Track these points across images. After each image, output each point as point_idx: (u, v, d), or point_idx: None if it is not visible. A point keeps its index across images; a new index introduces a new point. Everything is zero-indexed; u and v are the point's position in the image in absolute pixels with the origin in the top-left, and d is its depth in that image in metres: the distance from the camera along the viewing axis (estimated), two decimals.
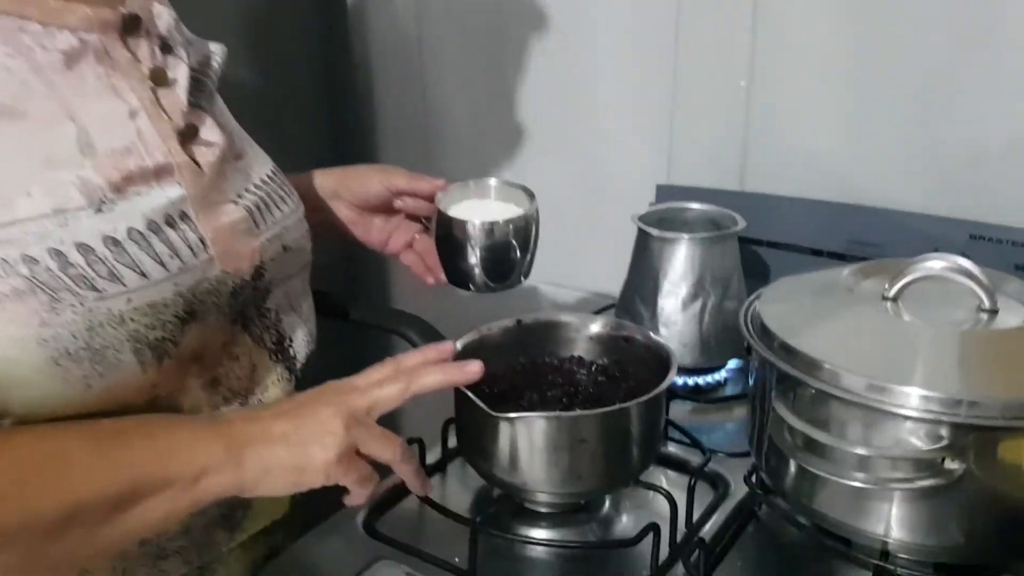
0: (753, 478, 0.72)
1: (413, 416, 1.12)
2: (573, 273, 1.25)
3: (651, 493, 0.71)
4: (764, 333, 0.65)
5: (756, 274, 1.00)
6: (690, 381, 0.91)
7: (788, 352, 0.61)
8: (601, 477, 0.67)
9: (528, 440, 0.64)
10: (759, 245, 1.01)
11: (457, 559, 0.65)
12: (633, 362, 0.75)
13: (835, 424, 0.59)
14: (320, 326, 0.77)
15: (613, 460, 0.66)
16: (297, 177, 0.78)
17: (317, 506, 0.71)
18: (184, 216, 0.56)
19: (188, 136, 0.58)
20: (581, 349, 0.78)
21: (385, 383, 0.59)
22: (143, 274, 0.52)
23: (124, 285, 0.51)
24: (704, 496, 0.73)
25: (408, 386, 0.59)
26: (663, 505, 0.67)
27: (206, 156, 0.59)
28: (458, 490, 0.76)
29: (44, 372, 0.48)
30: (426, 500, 0.70)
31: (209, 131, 0.60)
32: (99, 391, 0.51)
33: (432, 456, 0.78)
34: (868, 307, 0.65)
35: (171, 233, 0.55)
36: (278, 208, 0.66)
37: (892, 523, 0.59)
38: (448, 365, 0.64)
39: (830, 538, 0.64)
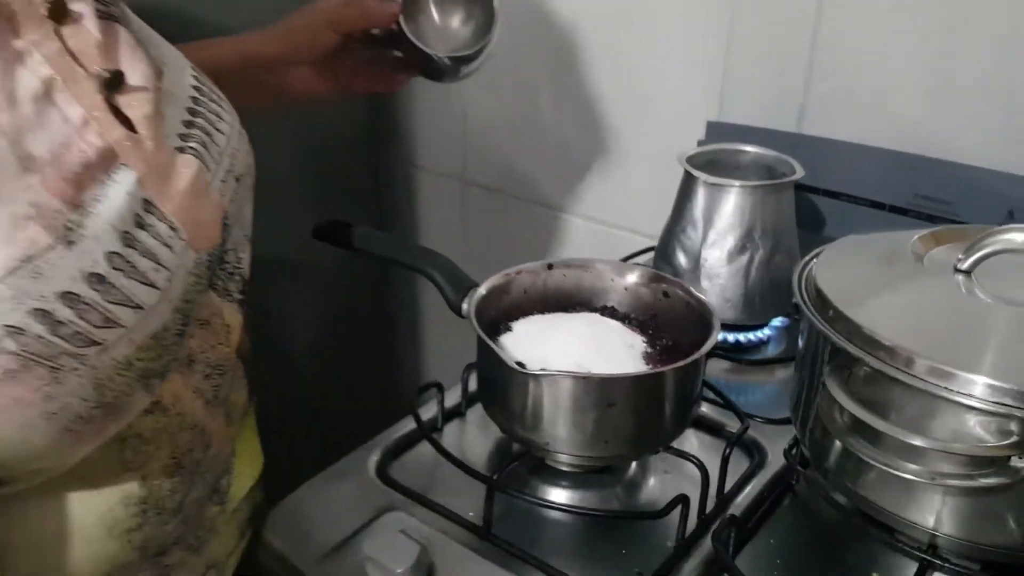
0: (793, 451, 0.67)
1: (432, 359, 1.09)
2: (610, 209, 1.19)
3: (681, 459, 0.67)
4: (819, 299, 0.59)
5: (809, 225, 0.93)
6: (730, 338, 0.86)
7: (844, 324, 0.56)
8: (628, 443, 0.63)
9: (553, 399, 0.60)
10: (815, 193, 0.94)
11: (472, 514, 0.63)
12: (670, 318, 0.70)
13: (890, 408, 0.54)
14: (325, 262, 0.71)
15: (643, 426, 0.62)
16: (204, 49, 0.64)
17: (287, 464, 0.69)
18: (148, 206, 0.43)
19: (114, 86, 0.43)
20: (614, 300, 0.73)
21: None
22: (138, 306, 0.42)
23: (123, 326, 0.41)
24: (738, 465, 0.69)
25: None
26: (693, 471, 0.64)
27: (139, 108, 0.44)
28: (477, 438, 0.73)
29: (54, 441, 0.40)
30: (442, 451, 0.67)
31: (133, 65, 0.44)
32: (110, 431, 0.44)
33: (451, 399, 0.75)
34: (937, 280, 0.59)
35: (145, 238, 0.43)
36: (218, 130, 0.50)
37: (944, 517, 0.54)
38: None
39: (873, 524, 0.59)
